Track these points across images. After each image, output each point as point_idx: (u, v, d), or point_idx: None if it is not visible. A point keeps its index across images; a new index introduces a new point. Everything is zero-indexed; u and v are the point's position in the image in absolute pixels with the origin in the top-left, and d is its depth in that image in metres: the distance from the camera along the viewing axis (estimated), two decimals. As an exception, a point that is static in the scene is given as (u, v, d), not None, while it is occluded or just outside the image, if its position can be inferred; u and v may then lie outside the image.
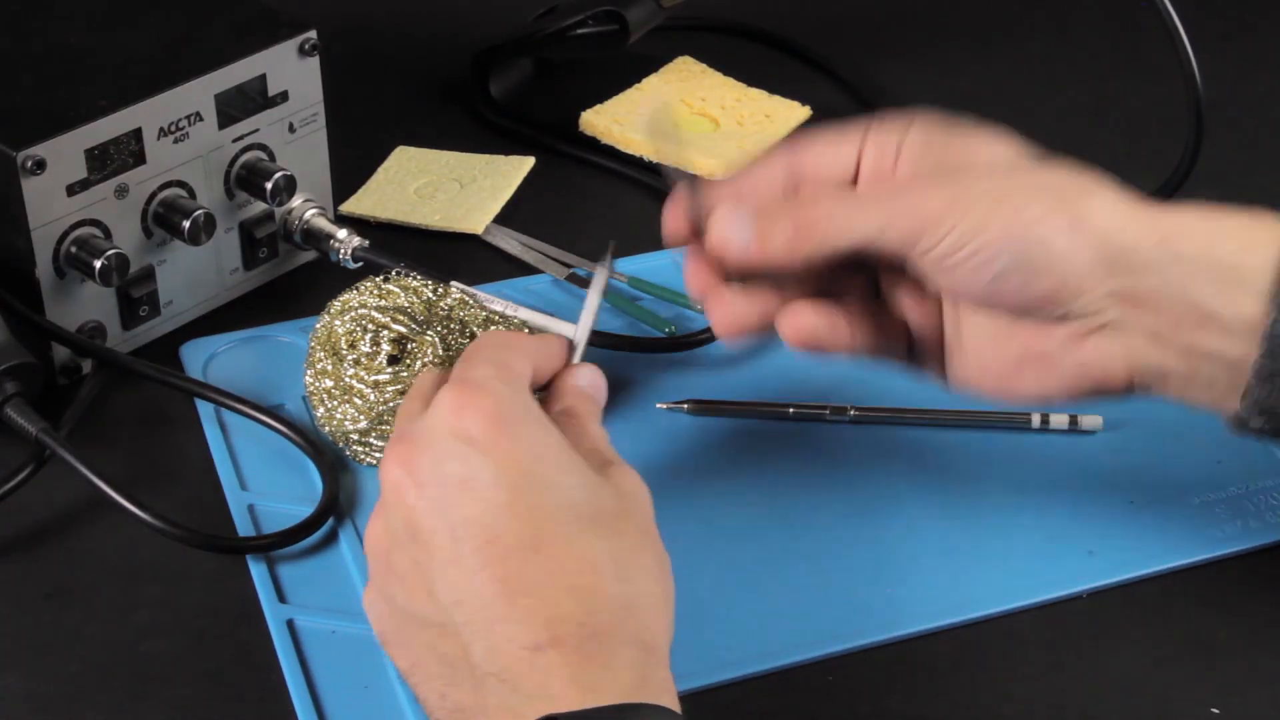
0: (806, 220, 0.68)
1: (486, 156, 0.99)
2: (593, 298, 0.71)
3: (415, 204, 0.95)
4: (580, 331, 0.71)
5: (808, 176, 0.71)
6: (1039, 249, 0.66)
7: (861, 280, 0.72)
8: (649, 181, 0.99)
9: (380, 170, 0.98)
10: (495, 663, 0.58)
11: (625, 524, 0.62)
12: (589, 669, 0.57)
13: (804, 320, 0.71)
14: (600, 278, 0.72)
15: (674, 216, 0.71)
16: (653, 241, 0.94)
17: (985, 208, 0.66)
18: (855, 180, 0.71)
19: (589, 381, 0.69)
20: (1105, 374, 0.68)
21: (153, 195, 0.83)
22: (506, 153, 1.00)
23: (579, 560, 0.60)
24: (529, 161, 0.99)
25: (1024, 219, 0.66)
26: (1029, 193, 0.67)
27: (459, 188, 0.96)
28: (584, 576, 0.59)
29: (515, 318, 0.81)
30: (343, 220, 0.92)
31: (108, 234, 0.82)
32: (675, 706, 0.58)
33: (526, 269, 0.92)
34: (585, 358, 0.70)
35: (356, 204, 0.95)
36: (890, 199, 0.68)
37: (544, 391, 0.69)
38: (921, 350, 0.72)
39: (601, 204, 0.99)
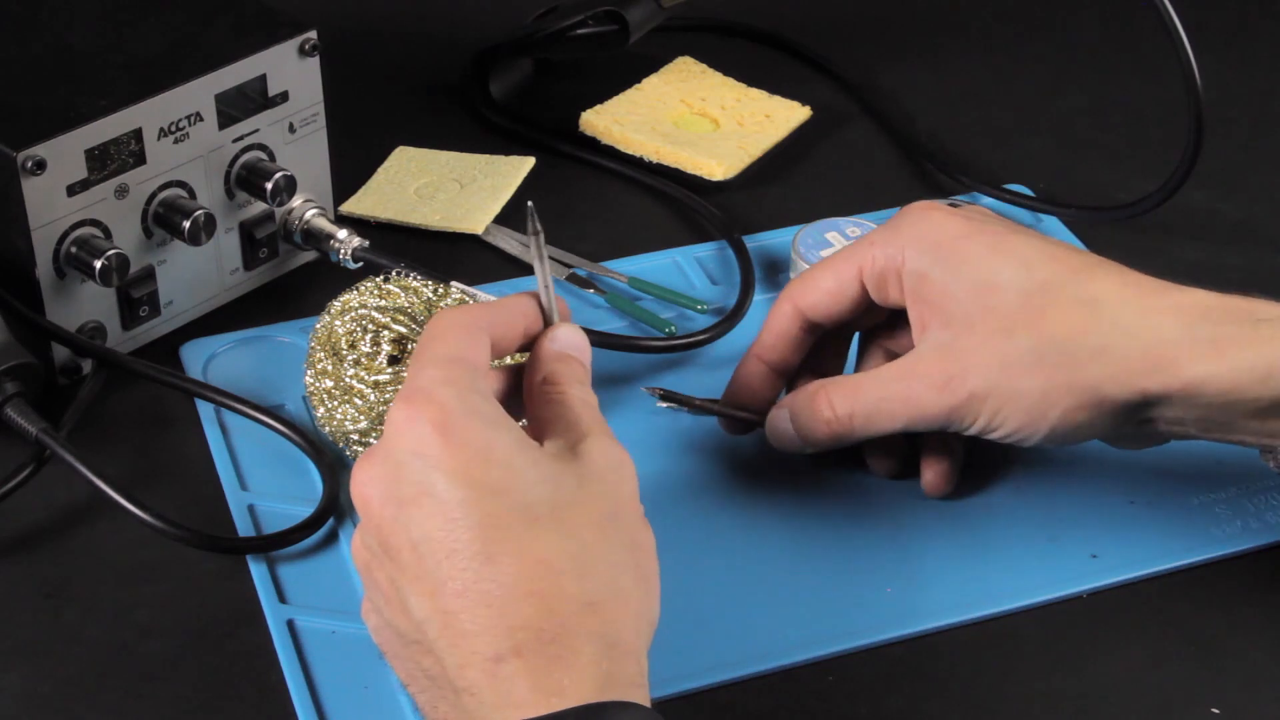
0: (833, 423, 0.73)
1: (486, 156, 0.99)
2: (535, 253, 0.68)
3: (415, 204, 0.95)
4: (543, 292, 0.68)
5: (820, 316, 0.75)
6: (1065, 426, 0.70)
7: None
8: (649, 182, 0.99)
9: (380, 170, 0.98)
10: (465, 677, 0.58)
11: (587, 512, 0.60)
12: (551, 673, 0.57)
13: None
14: (537, 240, 0.69)
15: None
16: (653, 242, 0.94)
17: (1000, 404, 0.70)
18: (866, 303, 0.74)
19: (565, 342, 0.67)
20: (1149, 442, 0.74)
21: (153, 195, 0.83)
22: (506, 153, 1.00)
23: (535, 564, 0.59)
24: (529, 162, 0.99)
25: (1043, 407, 0.70)
26: (1039, 380, 0.69)
27: (459, 188, 0.96)
28: (541, 581, 0.58)
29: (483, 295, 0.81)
30: (343, 220, 0.92)
31: (108, 234, 0.82)
32: (645, 700, 0.57)
33: (526, 269, 0.92)
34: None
35: (356, 204, 0.95)
36: (904, 404, 0.72)
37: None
38: None
39: (601, 204, 0.99)
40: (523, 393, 0.66)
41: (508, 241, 0.93)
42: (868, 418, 0.72)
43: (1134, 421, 0.70)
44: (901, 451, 0.78)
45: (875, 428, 0.73)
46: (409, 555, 0.60)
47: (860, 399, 0.73)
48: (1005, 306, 0.70)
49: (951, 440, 0.76)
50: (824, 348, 0.78)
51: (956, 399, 0.70)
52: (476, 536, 0.59)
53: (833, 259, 0.75)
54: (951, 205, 0.75)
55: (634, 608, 0.60)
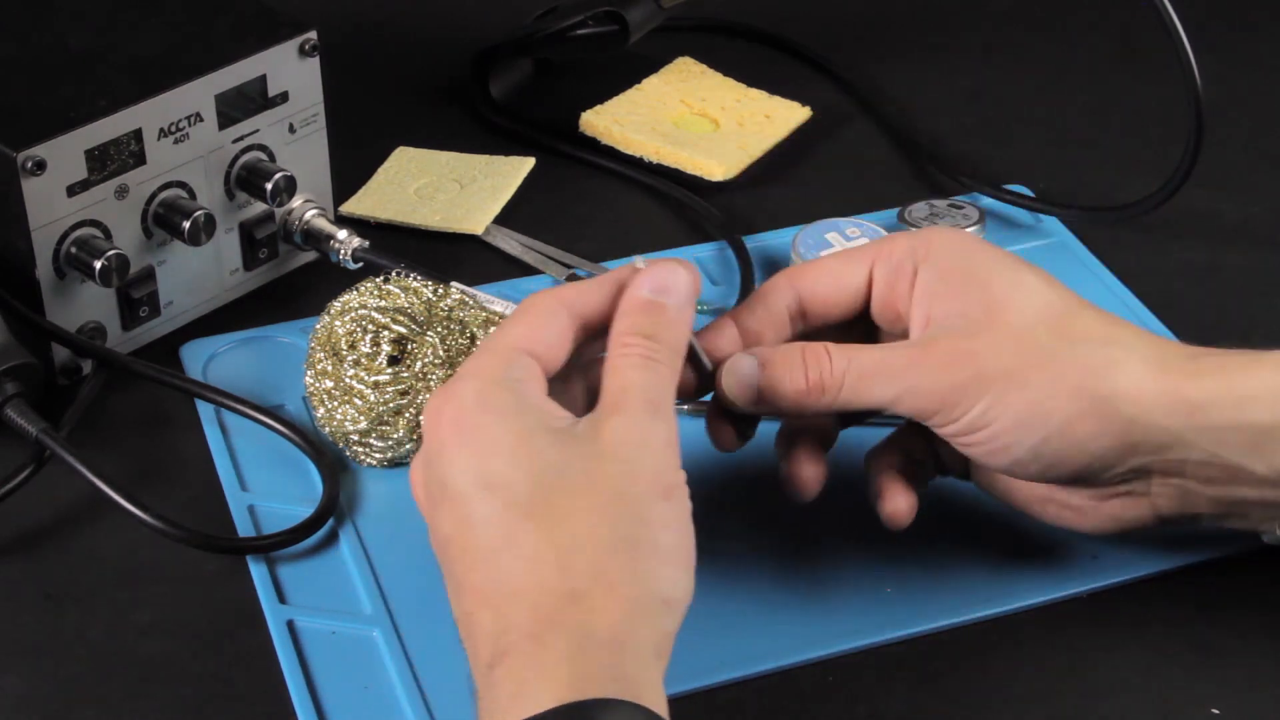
0: (816, 380, 0.68)
1: (486, 157, 0.99)
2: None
3: (415, 204, 0.95)
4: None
5: (816, 304, 0.71)
6: (1059, 440, 0.66)
7: None
8: (649, 182, 0.99)
9: (380, 171, 0.98)
10: (477, 683, 0.59)
11: (587, 496, 0.59)
12: (524, 677, 0.56)
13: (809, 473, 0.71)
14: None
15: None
16: (653, 242, 0.94)
17: (1002, 393, 0.66)
18: (865, 304, 0.71)
19: (653, 286, 0.65)
20: (1135, 521, 0.70)
21: (153, 196, 0.83)
22: (506, 153, 1.00)
23: (524, 561, 0.58)
24: (529, 162, 0.99)
25: (1045, 408, 0.66)
26: (1049, 375, 0.66)
27: (459, 188, 0.96)
28: (527, 577, 0.58)
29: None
30: (343, 220, 0.92)
31: (108, 234, 0.82)
32: (627, 691, 0.56)
33: (526, 269, 0.92)
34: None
35: (356, 204, 0.95)
36: (904, 371, 0.67)
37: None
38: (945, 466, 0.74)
39: (601, 204, 0.99)
40: None
41: (508, 242, 0.93)
42: (859, 380, 0.67)
43: (1131, 462, 0.67)
44: (825, 465, 0.72)
45: (862, 397, 0.67)
46: (442, 554, 0.61)
47: (858, 360, 0.68)
48: (1030, 306, 0.67)
49: (917, 469, 0.73)
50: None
51: (960, 376, 0.66)
52: (480, 535, 0.59)
53: (845, 251, 0.72)
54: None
55: (626, 592, 0.58)
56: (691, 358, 0.67)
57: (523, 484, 0.59)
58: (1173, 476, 0.68)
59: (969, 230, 0.90)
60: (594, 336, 0.66)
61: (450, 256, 0.93)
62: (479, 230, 0.94)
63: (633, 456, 0.60)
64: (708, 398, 0.79)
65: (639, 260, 0.67)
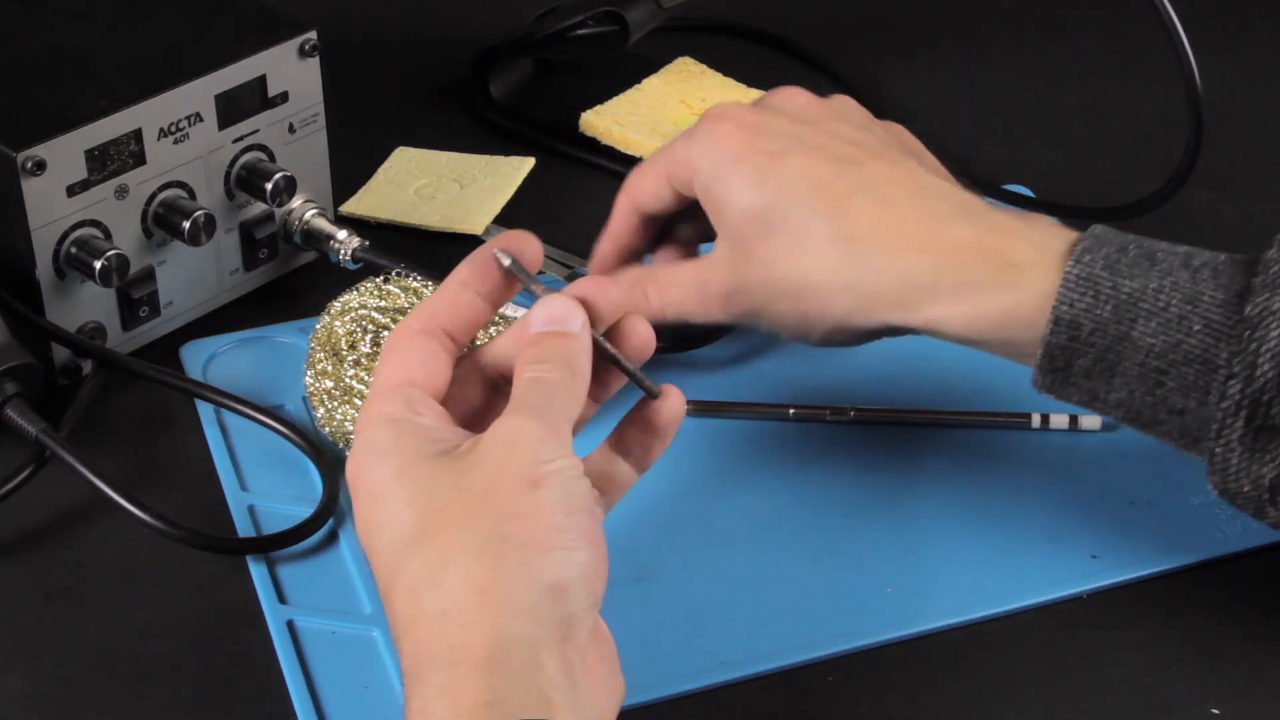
0: (655, 314, 0.76)
1: (486, 157, 0.99)
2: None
3: (415, 204, 0.95)
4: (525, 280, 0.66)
5: (648, 210, 0.78)
6: (828, 342, 0.74)
7: None
8: (649, 182, 0.99)
9: (380, 171, 0.98)
10: None
11: (454, 509, 0.59)
12: (410, 717, 0.57)
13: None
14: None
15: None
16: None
17: (771, 319, 0.74)
18: (675, 193, 0.77)
19: (540, 319, 0.64)
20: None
21: (153, 196, 0.83)
22: (506, 153, 1.00)
23: (405, 593, 0.58)
24: (529, 162, 0.99)
25: (803, 328, 0.74)
26: (796, 305, 0.73)
27: (459, 188, 0.96)
28: (407, 608, 0.58)
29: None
30: (343, 220, 0.92)
31: (108, 235, 0.82)
32: (499, 717, 0.55)
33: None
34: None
35: (357, 204, 0.95)
36: (704, 300, 0.76)
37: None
38: None
39: (601, 205, 0.98)
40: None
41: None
42: (677, 311, 0.76)
43: (895, 334, 0.73)
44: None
45: (684, 319, 0.76)
46: None
47: (669, 296, 0.76)
48: (769, 238, 0.73)
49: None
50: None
51: (737, 310, 0.75)
52: (380, 578, 0.60)
53: (652, 158, 0.78)
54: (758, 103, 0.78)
55: (496, 595, 0.57)
56: (607, 359, 0.66)
57: (399, 517, 0.60)
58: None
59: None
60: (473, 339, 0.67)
61: (450, 256, 0.93)
62: (479, 230, 0.94)
63: (498, 455, 0.60)
64: (710, 399, 0.80)
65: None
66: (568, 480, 0.60)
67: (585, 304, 0.64)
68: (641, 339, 0.66)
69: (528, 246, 0.66)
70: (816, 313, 0.72)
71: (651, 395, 0.66)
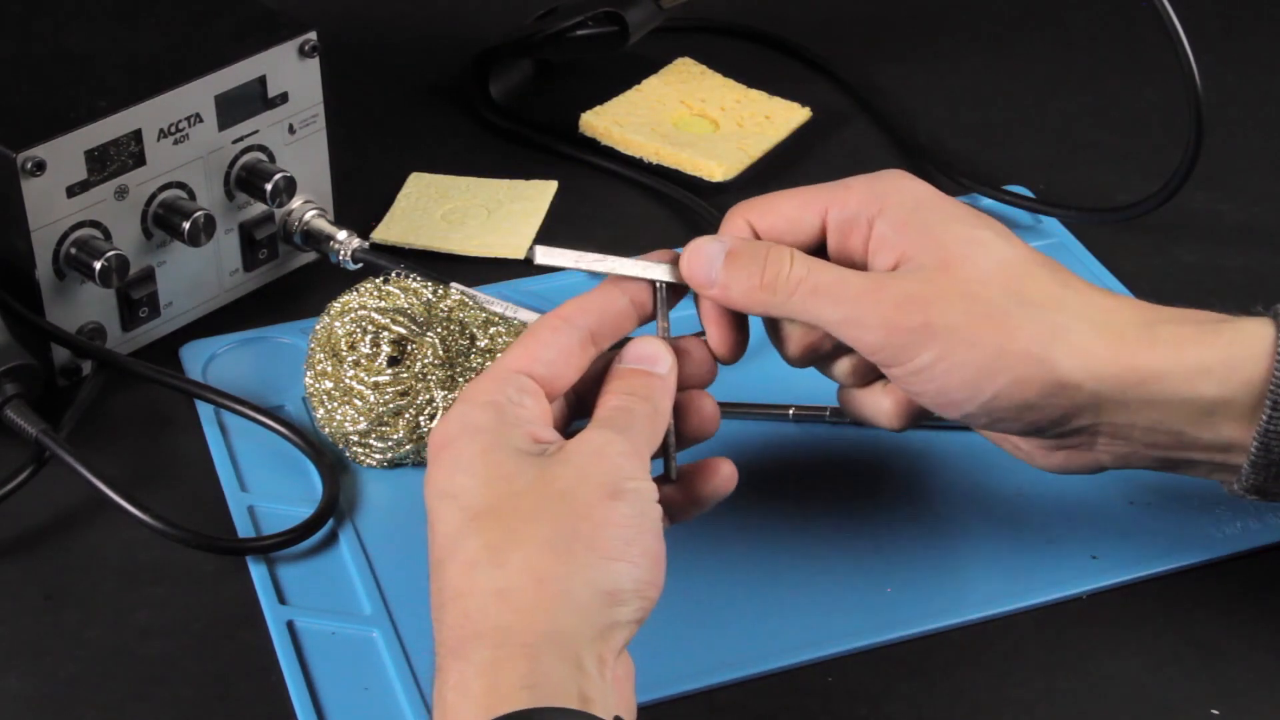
0: (770, 279, 0.67)
1: (508, 181, 0.99)
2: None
3: (446, 230, 0.95)
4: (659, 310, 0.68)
5: (769, 239, 0.70)
6: (1005, 400, 0.66)
7: None
8: (649, 183, 0.99)
9: (400, 197, 0.97)
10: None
11: (531, 498, 0.61)
12: (447, 695, 0.58)
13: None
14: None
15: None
16: (653, 242, 0.94)
17: (950, 348, 0.65)
18: (819, 244, 0.70)
19: (632, 357, 0.67)
20: (1082, 468, 0.71)
21: (152, 196, 0.83)
22: (506, 154, 1.00)
23: (462, 565, 0.60)
24: (552, 185, 0.98)
25: (992, 369, 0.65)
26: (999, 336, 0.65)
27: (487, 214, 0.96)
28: (463, 580, 0.59)
29: (515, 319, 0.81)
30: (378, 249, 0.90)
31: (108, 235, 0.82)
32: (537, 700, 0.56)
33: (527, 270, 0.92)
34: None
35: (386, 231, 0.94)
36: (856, 297, 0.66)
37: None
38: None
39: (601, 205, 0.99)
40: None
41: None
42: (813, 292, 0.67)
43: (1078, 422, 0.67)
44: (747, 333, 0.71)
45: (810, 310, 0.67)
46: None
47: (817, 272, 0.67)
48: (984, 263, 0.67)
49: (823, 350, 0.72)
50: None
51: (910, 320, 0.65)
52: (437, 542, 0.61)
53: (799, 190, 0.70)
54: None
55: (555, 587, 0.59)
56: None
57: (476, 492, 0.61)
58: (1119, 438, 0.68)
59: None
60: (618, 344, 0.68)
61: (490, 281, 0.92)
62: (520, 255, 0.93)
63: (584, 462, 0.62)
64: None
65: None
66: (644, 499, 0.62)
67: (679, 355, 0.67)
68: (705, 416, 0.68)
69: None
70: (1020, 350, 0.65)
71: (668, 477, 0.68)
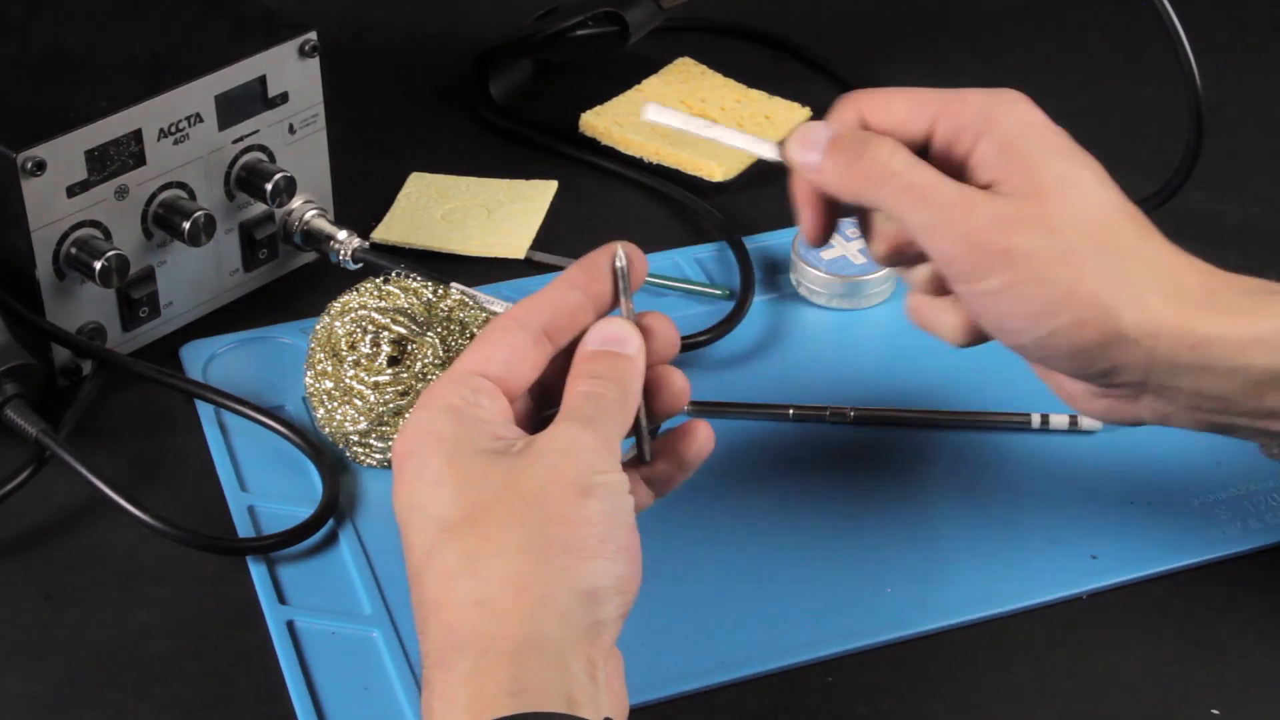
0: (866, 168, 0.67)
1: (508, 181, 0.99)
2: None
3: (446, 231, 0.95)
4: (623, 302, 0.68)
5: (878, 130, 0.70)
6: (1062, 338, 0.66)
7: None
8: (649, 183, 0.99)
9: (401, 197, 0.97)
10: None
11: (503, 503, 0.60)
12: (434, 706, 0.58)
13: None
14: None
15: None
16: (653, 242, 0.94)
17: (1023, 277, 0.66)
18: (924, 145, 0.69)
19: (600, 338, 0.66)
20: (1121, 419, 0.71)
21: (153, 196, 0.83)
22: (507, 154, 1.00)
23: (440, 576, 0.60)
24: (552, 185, 0.98)
25: (1057, 307, 0.66)
26: (1071, 277, 0.66)
27: (487, 213, 0.96)
28: (441, 591, 0.59)
29: (497, 311, 0.81)
30: (377, 248, 0.91)
31: (108, 235, 0.82)
32: (522, 705, 0.56)
33: (525, 270, 0.92)
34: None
35: (387, 231, 0.94)
36: (947, 205, 0.67)
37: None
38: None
39: (601, 205, 0.99)
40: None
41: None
42: (906, 188, 0.67)
43: (1127, 375, 0.67)
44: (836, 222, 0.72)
45: (899, 206, 0.67)
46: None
47: (914, 170, 0.67)
48: (1075, 203, 0.67)
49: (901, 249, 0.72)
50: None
51: (993, 241, 0.66)
52: (413, 556, 0.61)
53: (914, 91, 0.71)
54: None
55: (535, 592, 0.58)
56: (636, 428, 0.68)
57: (446, 502, 0.61)
58: (1164, 396, 0.68)
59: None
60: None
61: (491, 280, 0.92)
62: (521, 255, 0.93)
63: (553, 460, 0.61)
64: (710, 399, 0.80)
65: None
66: (615, 494, 0.61)
67: (644, 333, 0.66)
68: (676, 390, 0.68)
69: (638, 260, 0.67)
70: (1089, 294, 0.66)
71: (641, 458, 0.67)
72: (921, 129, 0.69)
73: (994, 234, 0.66)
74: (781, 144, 0.70)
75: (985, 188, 0.67)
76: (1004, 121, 0.68)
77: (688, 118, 0.70)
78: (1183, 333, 0.66)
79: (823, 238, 0.72)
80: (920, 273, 0.71)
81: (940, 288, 0.71)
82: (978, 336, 0.71)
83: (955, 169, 0.69)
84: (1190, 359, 0.66)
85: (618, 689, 0.61)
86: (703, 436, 0.68)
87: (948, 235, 0.66)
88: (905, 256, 0.71)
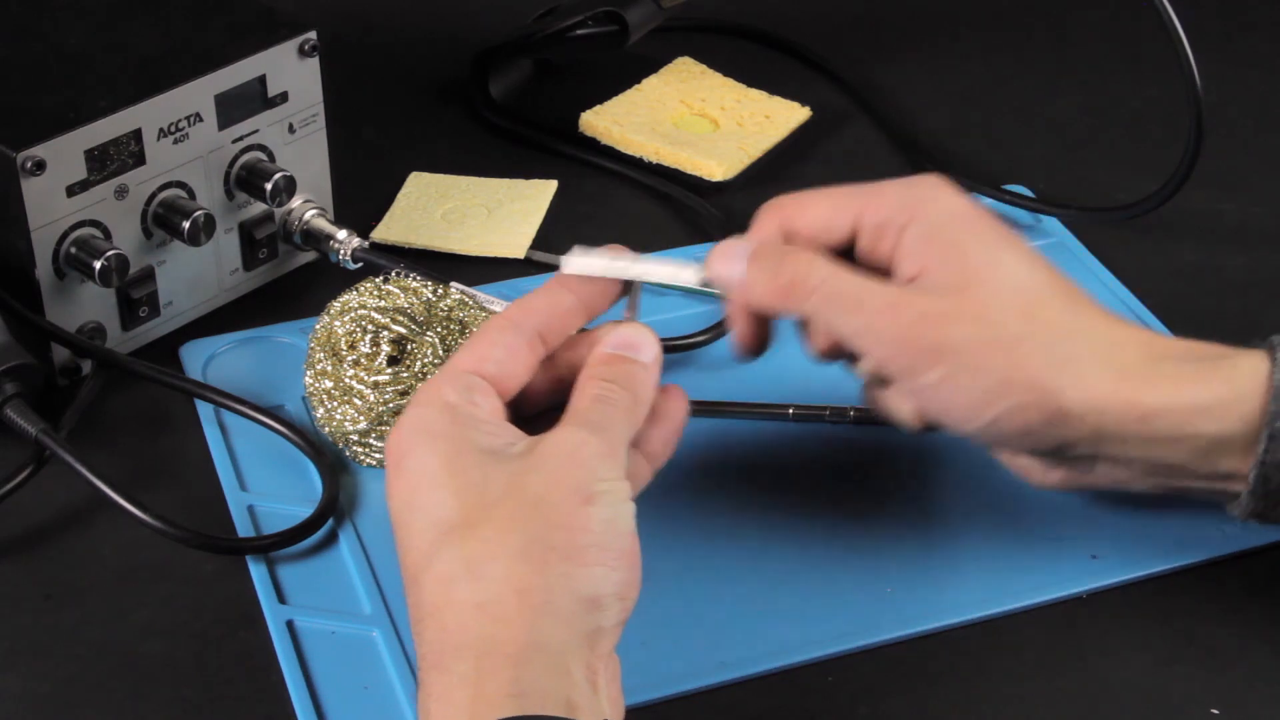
0: (789, 282, 0.68)
1: (507, 181, 0.99)
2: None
3: (446, 230, 0.95)
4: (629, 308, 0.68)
5: (800, 240, 0.70)
6: (1006, 423, 0.67)
7: None
8: (649, 182, 0.99)
9: (401, 196, 0.97)
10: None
11: (505, 507, 0.60)
12: (431, 708, 0.58)
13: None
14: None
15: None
16: (653, 242, 0.94)
17: (958, 369, 0.67)
18: (849, 245, 0.70)
19: (614, 343, 0.66)
20: (1079, 488, 0.73)
21: (152, 196, 0.83)
22: (507, 154, 1.00)
23: (438, 579, 0.59)
24: (552, 185, 0.98)
25: (996, 394, 0.67)
26: (1007, 362, 0.67)
27: (487, 213, 0.96)
28: (439, 594, 0.59)
29: (496, 310, 0.81)
30: (377, 248, 0.91)
31: (107, 235, 0.82)
32: (522, 708, 0.56)
33: (525, 270, 0.92)
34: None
35: (386, 231, 0.94)
36: (875, 311, 0.67)
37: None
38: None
39: (601, 204, 0.99)
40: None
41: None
42: (831, 298, 0.67)
43: (1079, 449, 0.69)
44: (773, 331, 0.72)
45: (827, 317, 0.68)
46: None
47: (837, 279, 0.68)
48: (1006, 285, 0.68)
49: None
50: None
51: (924, 339, 0.67)
52: (409, 558, 0.61)
53: (833, 191, 0.71)
54: None
55: (535, 598, 0.58)
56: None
57: (446, 504, 0.60)
58: (1119, 464, 0.70)
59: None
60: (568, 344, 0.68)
61: (491, 280, 0.92)
62: (520, 254, 0.93)
63: (556, 466, 0.61)
64: (710, 399, 0.80)
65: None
66: (618, 501, 0.61)
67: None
68: (676, 421, 0.68)
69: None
70: (1026, 380, 0.66)
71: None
72: (845, 229, 0.70)
73: (924, 331, 0.67)
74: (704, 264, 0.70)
75: (913, 279, 0.68)
76: (926, 210, 0.69)
77: (608, 263, 0.68)
78: (1128, 405, 0.67)
79: (757, 351, 0.72)
80: (865, 365, 0.71)
81: (886, 379, 0.71)
82: (935, 423, 0.71)
83: (883, 263, 0.69)
84: (1138, 430, 0.67)
85: (615, 695, 0.61)
86: (674, 393, 0.68)
87: (879, 338, 0.67)
88: (845, 353, 0.71)
